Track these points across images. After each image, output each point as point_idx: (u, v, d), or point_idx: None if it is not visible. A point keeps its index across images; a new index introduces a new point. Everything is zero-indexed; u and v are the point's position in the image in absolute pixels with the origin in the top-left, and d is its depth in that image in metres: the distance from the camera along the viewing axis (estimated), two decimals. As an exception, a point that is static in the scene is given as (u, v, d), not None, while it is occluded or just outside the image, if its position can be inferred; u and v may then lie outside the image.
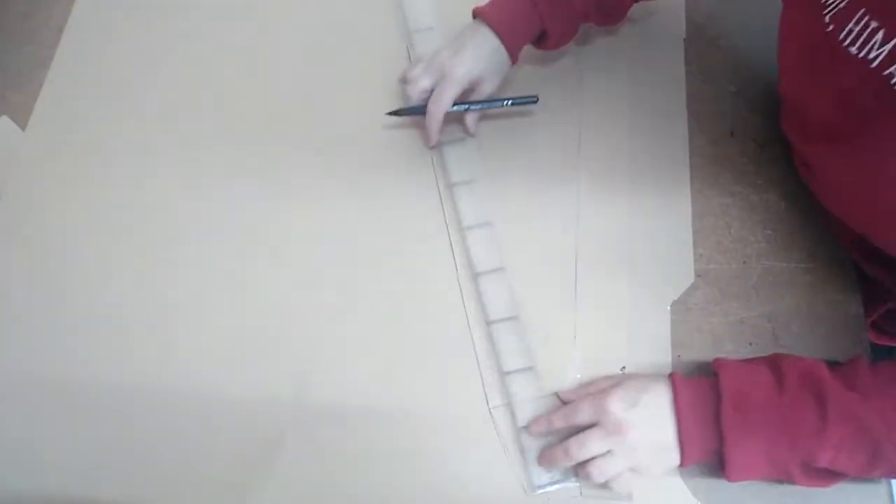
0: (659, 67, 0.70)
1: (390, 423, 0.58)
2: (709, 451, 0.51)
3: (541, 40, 0.63)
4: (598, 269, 0.62)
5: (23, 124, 0.72)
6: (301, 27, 0.75)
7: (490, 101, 0.64)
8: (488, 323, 0.60)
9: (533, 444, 0.56)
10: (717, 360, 0.55)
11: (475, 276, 0.62)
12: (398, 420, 0.58)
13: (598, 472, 0.52)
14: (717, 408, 0.50)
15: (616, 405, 0.52)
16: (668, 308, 0.61)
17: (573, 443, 0.53)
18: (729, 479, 0.50)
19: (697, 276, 0.62)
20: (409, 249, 0.64)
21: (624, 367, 0.59)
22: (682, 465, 0.52)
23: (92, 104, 0.73)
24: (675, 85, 0.69)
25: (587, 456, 0.52)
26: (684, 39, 0.71)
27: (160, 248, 0.66)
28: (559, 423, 0.55)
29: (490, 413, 0.58)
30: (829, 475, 0.50)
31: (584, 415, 0.54)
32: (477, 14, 0.62)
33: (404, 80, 0.64)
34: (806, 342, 0.59)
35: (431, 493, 0.56)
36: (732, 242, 0.63)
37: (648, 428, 0.52)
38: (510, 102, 0.64)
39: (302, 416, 0.59)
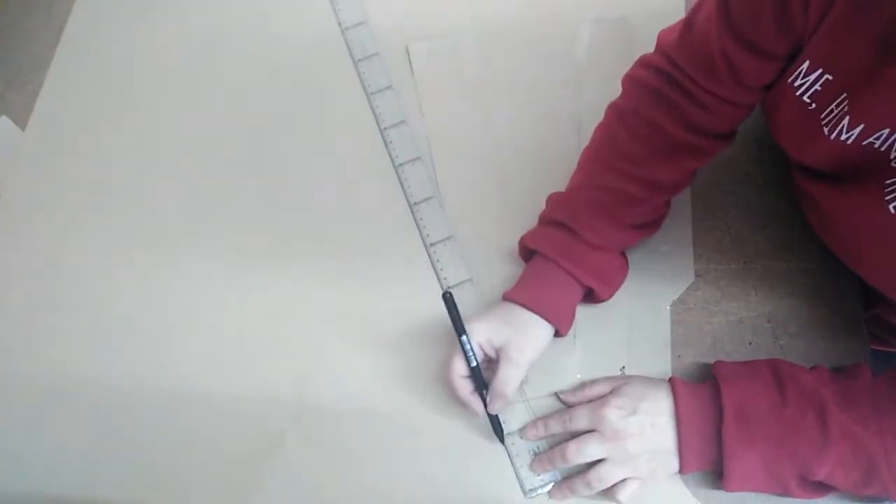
0: (659, 67, 0.69)
1: (390, 423, 0.58)
2: (708, 462, 0.51)
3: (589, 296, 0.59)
4: (598, 269, 0.62)
5: (23, 124, 0.72)
6: (302, 24, 0.75)
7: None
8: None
9: (523, 448, 0.56)
10: (717, 366, 0.54)
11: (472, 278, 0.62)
12: (398, 420, 0.58)
13: (598, 480, 0.52)
14: (718, 419, 0.50)
15: (614, 413, 0.52)
16: (668, 308, 0.61)
17: (571, 446, 0.53)
18: (727, 489, 0.50)
19: (697, 276, 0.62)
20: (409, 249, 0.64)
21: (623, 367, 0.59)
22: (680, 472, 0.52)
23: (92, 104, 0.73)
24: (675, 85, 0.69)
25: (584, 460, 0.52)
26: (684, 39, 0.71)
27: (160, 247, 0.66)
28: (556, 428, 0.55)
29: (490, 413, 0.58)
30: (824, 488, 0.50)
31: (581, 421, 0.54)
32: (528, 307, 0.55)
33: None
34: (806, 342, 0.59)
35: (431, 493, 0.56)
36: (732, 242, 0.63)
37: (647, 436, 0.51)
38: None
39: (302, 416, 0.59)
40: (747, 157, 0.66)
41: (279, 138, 0.70)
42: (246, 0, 0.77)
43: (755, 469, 0.49)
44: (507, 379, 0.54)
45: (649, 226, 0.59)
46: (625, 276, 0.59)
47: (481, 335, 0.55)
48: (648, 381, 0.55)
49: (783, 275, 0.61)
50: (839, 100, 0.44)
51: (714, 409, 0.51)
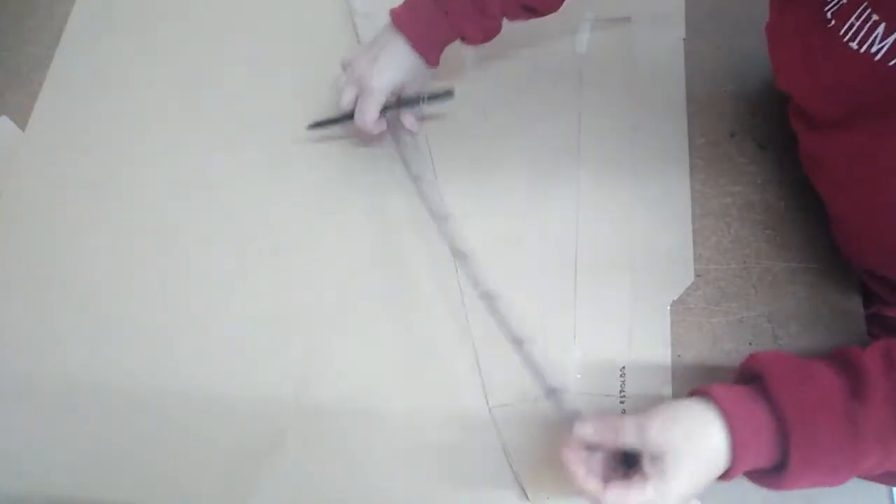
0: (659, 67, 0.69)
1: (390, 422, 0.58)
2: (757, 473, 0.47)
3: (463, 41, 0.62)
4: (598, 269, 0.62)
5: (23, 124, 0.72)
6: (301, 24, 0.75)
7: (407, 101, 0.64)
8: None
9: (523, 450, 0.56)
10: (760, 365, 0.47)
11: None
12: (398, 420, 0.58)
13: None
14: (777, 428, 0.45)
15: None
16: (668, 308, 0.61)
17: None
18: (777, 489, 0.46)
19: (697, 276, 0.62)
20: (409, 249, 0.64)
21: (623, 367, 0.59)
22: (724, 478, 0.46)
23: (92, 104, 0.73)
24: (675, 85, 0.69)
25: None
26: (684, 39, 0.71)
27: (160, 248, 0.66)
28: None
29: (490, 413, 0.58)
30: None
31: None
32: (392, 20, 0.60)
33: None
34: (806, 342, 0.59)
35: (431, 493, 0.56)
36: (732, 242, 0.63)
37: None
38: (426, 98, 0.63)
39: (302, 416, 0.59)
40: (747, 157, 0.66)
41: (279, 138, 0.70)
42: (245, 0, 0.77)
43: (816, 477, 0.45)
44: (363, 107, 0.59)
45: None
46: (498, 28, 0.61)
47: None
48: (689, 424, 0.46)
49: (783, 275, 0.61)
50: (859, 10, 0.45)
51: (769, 415, 0.45)
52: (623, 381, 0.58)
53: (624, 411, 0.57)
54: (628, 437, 0.46)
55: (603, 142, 0.67)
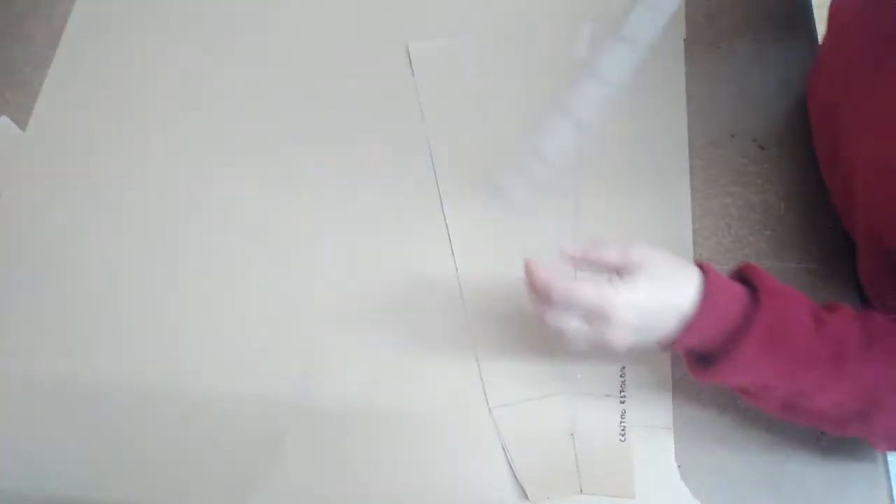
0: (659, 67, 0.70)
1: (390, 423, 0.58)
2: (700, 353, 0.47)
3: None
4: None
5: (23, 124, 0.72)
6: (301, 25, 0.75)
7: None
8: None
9: (524, 452, 0.56)
10: (755, 274, 0.47)
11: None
12: (398, 420, 0.58)
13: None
14: (751, 298, 0.45)
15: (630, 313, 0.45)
16: (668, 308, 0.61)
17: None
18: (701, 379, 0.47)
19: (697, 276, 0.62)
20: (409, 249, 0.64)
21: (624, 367, 0.59)
22: (672, 345, 0.47)
23: (92, 104, 0.73)
24: (675, 85, 0.69)
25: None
26: (684, 39, 0.71)
27: (160, 247, 0.66)
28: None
29: (490, 413, 0.58)
30: (797, 414, 0.48)
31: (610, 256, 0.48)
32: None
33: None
34: (806, 342, 0.59)
35: (431, 494, 0.56)
36: (732, 242, 0.63)
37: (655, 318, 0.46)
38: None
39: (302, 416, 0.59)
40: (747, 157, 0.66)
41: (279, 137, 0.70)
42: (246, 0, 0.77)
43: (749, 372, 0.46)
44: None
45: None
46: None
47: None
48: (673, 264, 0.47)
49: (783, 275, 0.61)
50: None
51: (741, 313, 0.45)
52: (623, 381, 0.58)
53: (624, 411, 0.57)
54: (611, 252, 0.48)
55: (603, 142, 0.67)
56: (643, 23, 0.71)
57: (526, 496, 0.55)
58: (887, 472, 0.55)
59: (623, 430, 0.57)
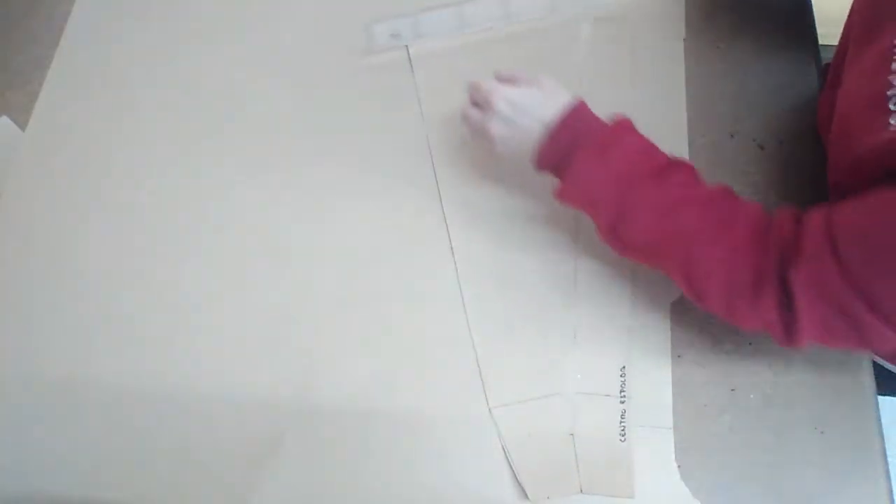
0: (659, 67, 0.70)
1: (390, 423, 0.58)
2: (556, 162, 0.55)
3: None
4: (598, 268, 0.62)
5: (23, 124, 0.72)
6: (301, 25, 0.75)
7: None
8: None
9: (524, 452, 0.56)
10: (622, 121, 0.55)
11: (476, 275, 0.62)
12: (398, 420, 0.58)
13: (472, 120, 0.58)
14: (584, 140, 0.53)
15: (516, 91, 0.56)
16: (668, 308, 0.61)
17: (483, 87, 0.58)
18: (558, 195, 0.55)
19: (697, 276, 0.62)
20: (409, 250, 0.64)
21: (624, 367, 0.59)
22: (537, 160, 0.55)
23: (92, 104, 0.73)
24: (675, 85, 0.69)
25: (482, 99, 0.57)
26: (684, 39, 0.71)
27: (160, 248, 0.66)
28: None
29: (490, 413, 0.58)
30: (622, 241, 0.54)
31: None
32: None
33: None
34: (806, 342, 0.59)
35: (431, 494, 0.56)
36: (732, 242, 0.63)
37: (533, 107, 0.55)
38: None
39: (302, 416, 0.59)
40: (747, 157, 0.66)
41: (278, 138, 0.70)
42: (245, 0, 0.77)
43: (584, 185, 0.53)
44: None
45: None
46: None
47: None
48: (558, 89, 0.57)
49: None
50: None
51: (587, 130, 0.54)
52: (623, 381, 0.58)
53: (624, 411, 0.57)
54: (523, 73, 0.59)
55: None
56: (643, 23, 0.71)
57: (526, 496, 0.55)
58: (887, 472, 0.55)
59: (623, 430, 0.57)
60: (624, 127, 0.54)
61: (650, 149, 0.54)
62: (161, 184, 0.69)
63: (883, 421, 0.57)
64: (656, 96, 0.68)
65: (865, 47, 0.50)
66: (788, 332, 0.47)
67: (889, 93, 0.44)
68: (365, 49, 0.58)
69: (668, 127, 0.67)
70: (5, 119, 0.72)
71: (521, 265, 0.63)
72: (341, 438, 0.58)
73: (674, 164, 0.53)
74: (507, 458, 0.57)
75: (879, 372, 0.60)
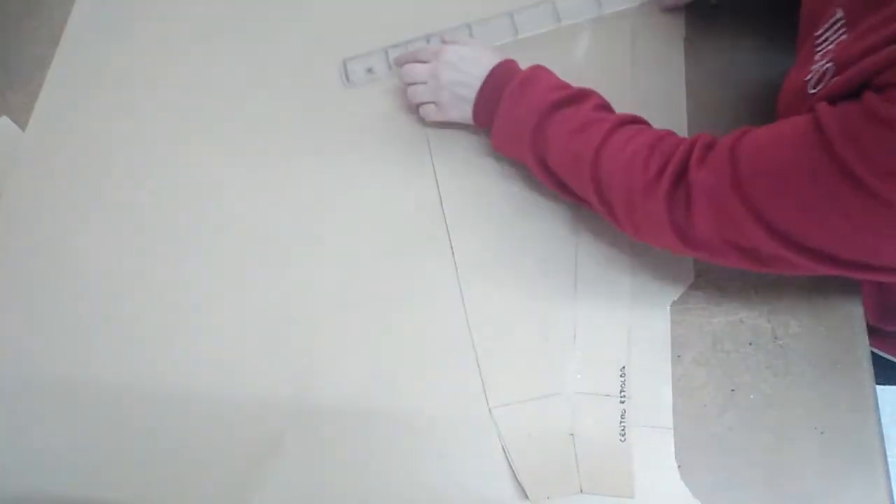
0: (659, 67, 0.70)
1: (390, 423, 0.58)
2: (490, 119, 0.61)
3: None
4: (598, 269, 0.62)
5: (23, 124, 0.72)
6: (301, 25, 0.75)
7: None
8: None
9: (524, 452, 0.56)
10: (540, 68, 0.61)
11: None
12: (398, 420, 0.58)
13: (412, 95, 0.65)
14: (508, 82, 0.59)
15: (449, 51, 0.63)
16: (668, 308, 0.61)
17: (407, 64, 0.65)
18: (493, 143, 0.63)
19: (697, 276, 0.62)
20: (409, 249, 0.64)
21: (623, 367, 0.59)
22: (474, 119, 0.63)
23: (92, 104, 0.73)
24: (675, 85, 0.69)
25: (409, 79, 0.65)
26: (684, 39, 0.71)
27: (160, 248, 0.66)
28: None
29: (490, 413, 0.58)
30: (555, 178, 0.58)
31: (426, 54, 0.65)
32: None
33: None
34: (806, 342, 0.59)
35: (431, 494, 0.56)
36: (732, 242, 0.63)
37: (460, 72, 0.62)
38: None
39: (302, 416, 0.59)
40: (747, 157, 0.66)
41: (278, 138, 0.70)
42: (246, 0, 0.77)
43: (510, 125, 0.59)
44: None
45: None
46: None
47: None
48: (495, 50, 0.64)
49: (783, 275, 0.61)
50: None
51: (510, 77, 0.60)
52: (623, 381, 0.58)
53: (624, 411, 0.57)
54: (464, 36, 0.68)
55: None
56: (643, 23, 0.71)
57: (526, 496, 0.55)
58: (887, 472, 0.55)
59: (623, 430, 0.57)
60: (539, 68, 0.61)
61: (564, 84, 0.59)
62: (161, 184, 0.69)
63: (883, 420, 0.57)
64: (656, 96, 0.68)
65: (805, 38, 0.53)
66: (684, 235, 0.50)
67: (806, 78, 0.48)
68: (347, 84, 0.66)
69: (668, 127, 0.67)
70: (5, 119, 0.72)
71: (520, 265, 0.63)
72: (341, 438, 0.58)
73: (587, 93, 0.58)
74: (507, 458, 0.57)
75: (877, 361, 0.60)
